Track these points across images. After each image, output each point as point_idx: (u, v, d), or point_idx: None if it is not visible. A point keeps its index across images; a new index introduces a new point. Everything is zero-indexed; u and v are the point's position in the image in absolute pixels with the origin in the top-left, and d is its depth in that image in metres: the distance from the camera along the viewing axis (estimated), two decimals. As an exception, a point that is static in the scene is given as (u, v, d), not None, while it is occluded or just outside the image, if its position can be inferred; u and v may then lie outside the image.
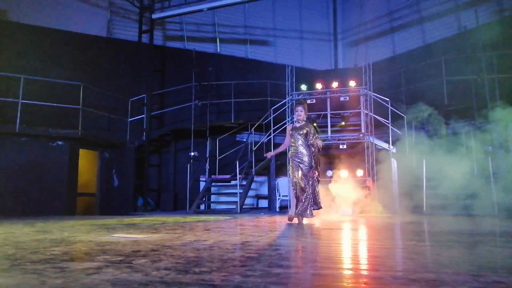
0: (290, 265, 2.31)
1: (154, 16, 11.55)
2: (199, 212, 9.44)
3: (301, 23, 15.02)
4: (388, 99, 9.60)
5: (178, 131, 11.65)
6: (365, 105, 9.69)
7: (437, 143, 10.06)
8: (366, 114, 9.58)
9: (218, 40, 13.42)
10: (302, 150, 5.44)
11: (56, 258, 2.42)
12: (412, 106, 9.29)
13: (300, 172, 5.40)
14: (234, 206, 9.47)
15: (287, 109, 10.14)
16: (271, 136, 10.20)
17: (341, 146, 9.34)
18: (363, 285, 1.76)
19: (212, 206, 10.68)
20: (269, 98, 11.55)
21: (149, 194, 11.06)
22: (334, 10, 15.58)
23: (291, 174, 5.50)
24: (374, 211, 8.59)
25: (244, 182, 9.92)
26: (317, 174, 5.55)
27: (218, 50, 13.39)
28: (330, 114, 9.91)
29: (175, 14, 11.57)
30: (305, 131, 5.49)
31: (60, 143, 8.71)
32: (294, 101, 5.71)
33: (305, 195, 5.37)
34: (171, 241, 3.32)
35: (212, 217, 7.33)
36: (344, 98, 9.76)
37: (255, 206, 11.12)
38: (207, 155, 10.82)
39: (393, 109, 9.67)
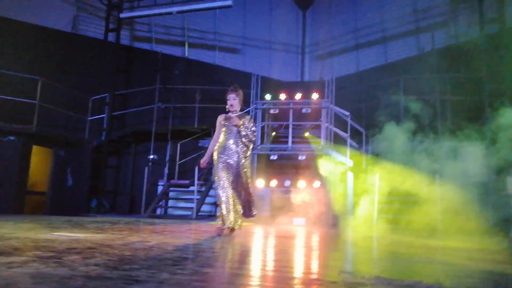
0: (221, 266, 2.35)
1: (122, 15, 11.40)
2: (154, 217, 9.30)
3: (270, 34, 15.24)
4: (348, 113, 9.89)
5: (139, 133, 11.47)
6: (326, 118, 9.92)
7: (392, 159, 10.44)
8: (326, 127, 9.81)
9: (186, 44, 13.39)
10: (232, 145, 4.49)
11: (-17, 252, 2.34)
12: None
13: (229, 172, 4.44)
14: (191, 212, 9.40)
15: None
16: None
17: (300, 157, 9.50)
18: (284, 285, 1.82)
19: (170, 211, 10.54)
20: (233, 106, 11.60)
21: (104, 196, 10.79)
22: (303, 24, 15.93)
23: (217, 175, 4.48)
24: (327, 222, 8.77)
25: (203, 189, 9.87)
26: (248, 176, 4.62)
27: (186, 54, 13.35)
28: (292, 125, 10.07)
29: (144, 15, 11.47)
30: (240, 123, 4.48)
31: (12, 138, 8.37)
32: (228, 90, 4.66)
33: (232, 199, 4.39)
34: (113, 241, 3.28)
35: (166, 221, 7.25)
36: (306, 110, 9.95)
37: (213, 213, 11.08)
38: (167, 159, 10.71)
39: (352, 123, 9.96)
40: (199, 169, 4.82)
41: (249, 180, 4.60)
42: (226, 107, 4.60)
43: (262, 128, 10.42)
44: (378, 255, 3.39)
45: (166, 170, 10.45)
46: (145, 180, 9.86)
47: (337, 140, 10.13)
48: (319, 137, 9.84)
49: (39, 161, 9.33)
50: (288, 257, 2.98)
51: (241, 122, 4.48)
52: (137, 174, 11.27)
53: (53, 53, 11.04)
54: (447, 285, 1.94)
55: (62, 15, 11.64)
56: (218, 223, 4.50)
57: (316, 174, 9.31)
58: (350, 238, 5.29)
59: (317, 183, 9.26)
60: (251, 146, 4.63)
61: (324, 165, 9.30)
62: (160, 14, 11.56)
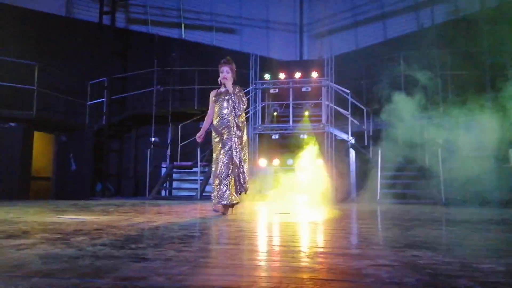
0: (227, 242, 2.38)
1: (116, -3, 11.23)
2: (159, 198, 9.38)
3: (267, 13, 15.02)
4: (348, 91, 9.83)
5: (139, 116, 11.46)
6: (326, 96, 9.87)
7: (394, 134, 10.43)
8: (327, 105, 9.77)
9: (183, 25, 13.22)
10: (225, 120, 4.41)
11: (-9, 235, 2.37)
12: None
13: (224, 147, 4.37)
14: (195, 193, 9.47)
15: (250, 98, 10.19)
16: (234, 124, 10.23)
17: (301, 136, 9.50)
18: (291, 259, 1.85)
19: (174, 192, 10.63)
20: (233, 87, 11.54)
21: (108, 180, 10.86)
22: (300, 2, 15.68)
23: (215, 150, 4.46)
24: (331, 199, 8.84)
25: (206, 169, 9.91)
26: (243, 149, 4.51)
27: (183, 36, 13.20)
28: (292, 104, 10.03)
29: (139, -4, 11.29)
30: (231, 97, 4.44)
31: (13, 124, 8.37)
32: (221, 62, 4.60)
33: (228, 175, 4.32)
34: (119, 222, 3.32)
35: (170, 203, 7.31)
36: (305, 89, 9.89)
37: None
38: (169, 141, 10.72)
39: (353, 101, 9.92)
40: (197, 144, 4.84)
41: (243, 154, 4.48)
42: (219, 79, 4.52)
43: (263, 108, 10.40)
44: (383, 227, 3.42)
45: (168, 152, 10.48)
46: (148, 162, 9.90)
47: (338, 118, 10.11)
48: (320, 115, 9.82)
49: (42, 147, 9.37)
50: (292, 232, 3.01)
51: (232, 88, 4.44)
52: (140, 157, 11.31)
53: (47, 38, 10.93)
54: (457, 254, 1.97)
55: (55, -1, 11.47)
56: (212, 201, 4.39)
57: (318, 152, 9.33)
58: (354, 213, 5.34)
59: (319, 161, 9.29)
60: (243, 116, 4.54)
61: (326, 143, 9.31)
62: (155, -4, 11.39)
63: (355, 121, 9.94)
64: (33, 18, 10.78)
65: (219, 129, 4.42)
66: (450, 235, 2.91)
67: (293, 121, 9.86)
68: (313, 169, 9.24)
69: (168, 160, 10.55)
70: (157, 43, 11.63)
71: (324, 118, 9.69)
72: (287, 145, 10.19)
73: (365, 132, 10.22)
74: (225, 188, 4.28)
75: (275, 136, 9.64)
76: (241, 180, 4.44)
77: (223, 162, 4.32)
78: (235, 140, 4.37)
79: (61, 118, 10.19)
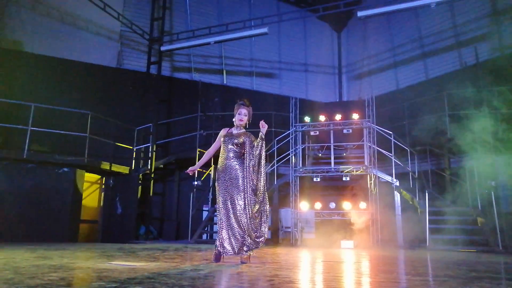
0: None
1: (162, 48, 11.94)
2: (200, 242, 9.41)
3: (306, 56, 15.39)
4: (391, 132, 9.69)
5: (182, 160, 11.78)
6: (368, 138, 9.77)
7: (441, 177, 10.04)
8: (369, 147, 9.65)
9: (224, 72, 13.76)
10: (234, 165, 4.13)
11: (53, 283, 2.48)
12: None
13: (229, 195, 4.11)
14: (236, 237, 9.42)
15: (291, 140, 10.28)
16: (275, 166, 10.28)
17: (344, 178, 9.36)
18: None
19: (215, 236, 10.62)
20: (273, 129, 11.70)
21: (151, 223, 11.07)
22: (338, 44, 15.97)
23: (217, 196, 4.22)
24: (377, 244, 8.51)
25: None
26: (261, 200, 4.17)
27: (225, 82, 13.71)
28: (333, 146, 9.99)
29: (183, 47, 11.95)
30: (241, 141, 4.21)
31: (66, 169, 8.86)
32: (239, 103, 4.39)
33: (233, 227, 4.07)
34: (167, 270, 3.36)
35: (212, 247, 7.30)
36: (347, 131, 9.87)
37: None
38: (210, 184, 10.88)
39: (396, 142, 9.74)
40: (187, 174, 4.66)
41: (255, 206, 4.11)
42: (233, 119, 4.37)
43: (303, 150, 10.42)
44: (437, 280, 3.24)
45: (210, 196, 10.59)
46: (191, 206, 10.04)
47: (381, 159, 9.92)
48: (362, 156, 9.69)
49: (91, 191, 9.78)
50: (341, 285, 2.92)
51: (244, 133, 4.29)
52: (182, 200, 11.51)
53: (100, 87, 11.73)
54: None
55: (108, 52, 12.37)
56: (215, 249, 4.19)
57: (362, 195, 9.13)
58: (403, 261, 5.10)
59: (363, 204, 9.05)
60: (260, 164, 4.20)
61: (369, 185, 9.10)
62: (198, 45, 12.00)
63: (399, 163, 9.69)
64: (88, 70, 11.66)
65: (226, 173, 4.14)
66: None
67: (335, 163, 9.77)
68: (357, 213, 9.01)
69: (209, 203, 10.66)
70: (200, 89, 12.14)
71: (366, 160, 9.55)
72: (329, 188, 10.05)
73: (410, 173, 9.92)
74: (219, 236, 4.15)
75: (316, 179, 9.56)
76: (252, 231, 4.06)
77: (226, 210, 4.12)
78: (246, 187, 4.09)
79: (110, 163, 10.66)
